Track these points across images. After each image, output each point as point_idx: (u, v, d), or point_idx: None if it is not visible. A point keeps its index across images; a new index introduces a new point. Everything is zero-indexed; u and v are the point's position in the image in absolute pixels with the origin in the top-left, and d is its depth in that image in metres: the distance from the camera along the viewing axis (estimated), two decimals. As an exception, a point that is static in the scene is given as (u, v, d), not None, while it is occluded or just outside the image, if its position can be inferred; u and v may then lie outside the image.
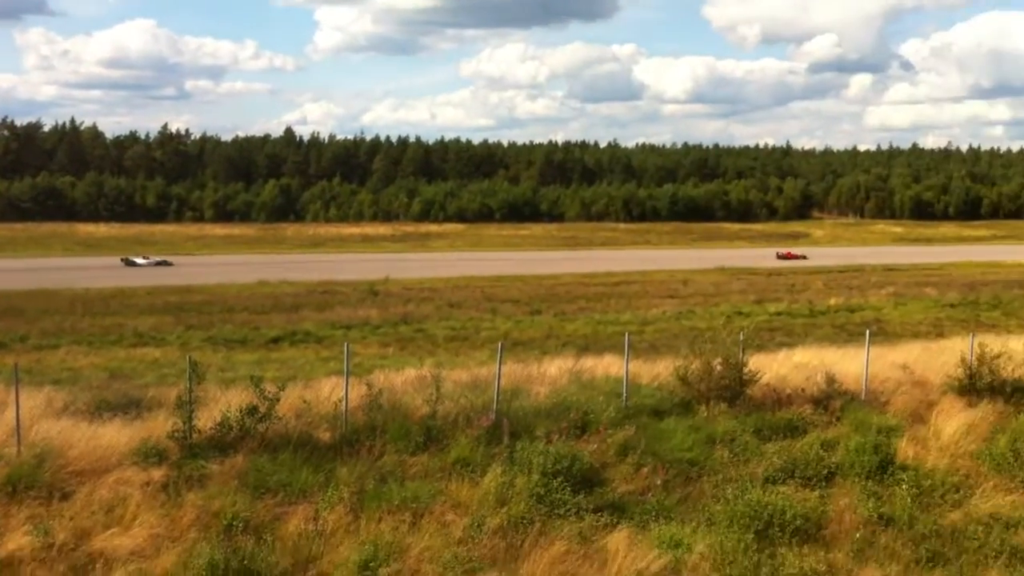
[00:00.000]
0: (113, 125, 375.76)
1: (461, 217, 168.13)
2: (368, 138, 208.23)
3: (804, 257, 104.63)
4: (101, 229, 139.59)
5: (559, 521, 11.96)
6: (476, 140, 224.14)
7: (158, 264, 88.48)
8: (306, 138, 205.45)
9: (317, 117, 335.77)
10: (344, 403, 14.67)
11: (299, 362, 30.28)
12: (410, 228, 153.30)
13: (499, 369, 15.65)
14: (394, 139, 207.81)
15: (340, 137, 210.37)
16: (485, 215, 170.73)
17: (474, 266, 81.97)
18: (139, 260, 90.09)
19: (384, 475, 13.12)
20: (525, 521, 11.86)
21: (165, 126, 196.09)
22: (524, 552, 11.19)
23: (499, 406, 15.15)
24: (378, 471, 13.19)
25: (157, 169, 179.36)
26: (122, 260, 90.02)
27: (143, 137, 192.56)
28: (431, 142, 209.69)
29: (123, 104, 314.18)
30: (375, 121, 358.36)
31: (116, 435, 13.41)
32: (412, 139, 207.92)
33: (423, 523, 11.82)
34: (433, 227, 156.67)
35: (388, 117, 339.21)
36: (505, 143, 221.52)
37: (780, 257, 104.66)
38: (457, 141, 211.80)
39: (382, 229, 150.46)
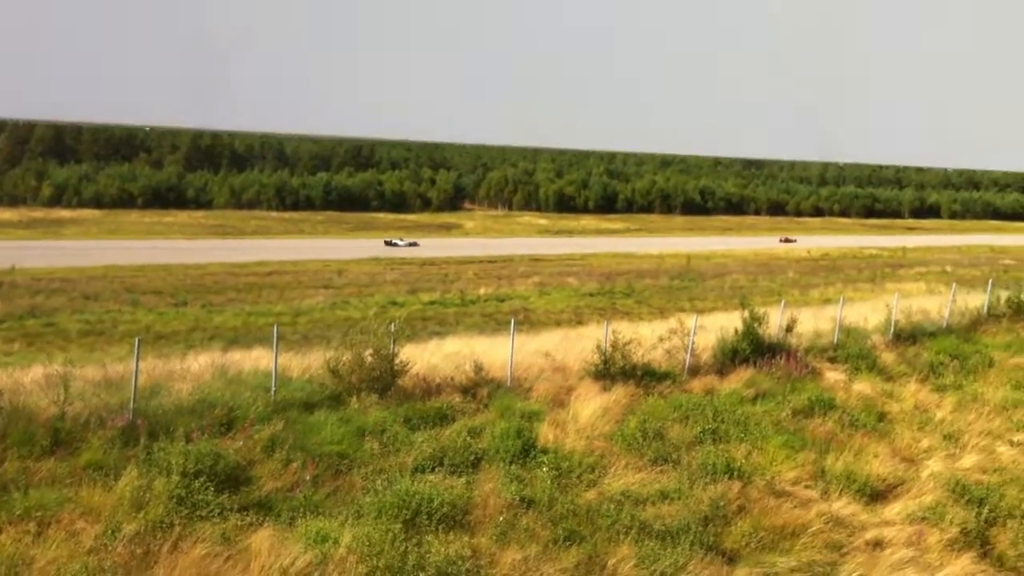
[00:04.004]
0: None
1: (98, 202, 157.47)
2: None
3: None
4: None
5: (201, 523, 11.43)
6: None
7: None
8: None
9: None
10: (-45, 407, 13.22)
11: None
12: (39, 214, 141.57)
13: (136, 365, 14.74)
14: (20, 118, 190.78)
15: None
16: (125, 201, 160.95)
17: (113, 255, 77.07)
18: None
19: (5, 483, 11.95)
20: (164, 525, 11.24)
21: None
22: (162, 558, 10.58)
23: (136, 405, 14.26)
24: (-2, 480, 11.99)
25: None
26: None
27: None
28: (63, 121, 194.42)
29: None
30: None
31: None
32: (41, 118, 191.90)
33: (50, 533, 10.88)
34: (66, 213, 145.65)
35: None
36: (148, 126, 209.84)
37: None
38: (93, 122, 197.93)
39: (7, 214, 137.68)
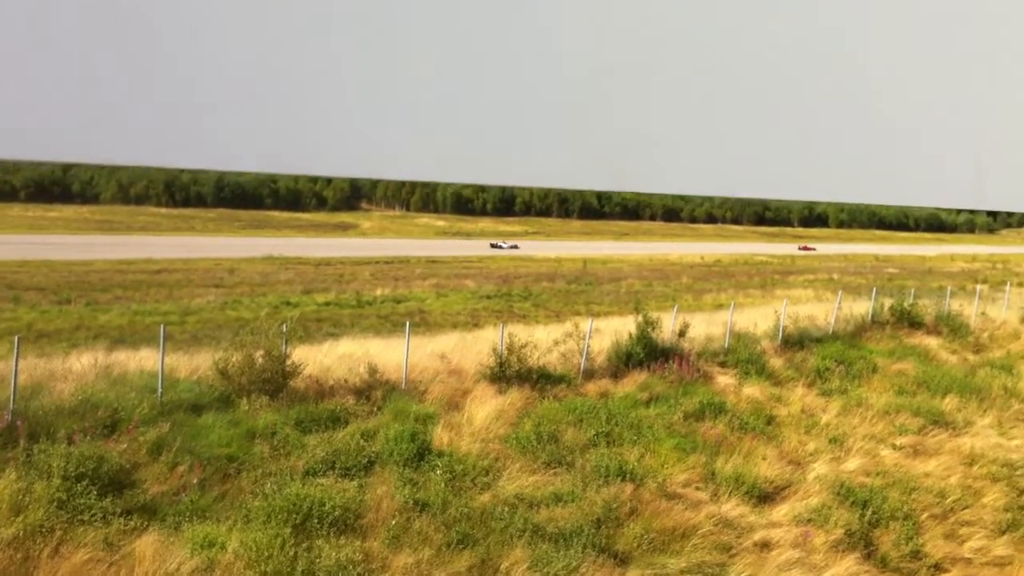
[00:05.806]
0: None
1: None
2: None
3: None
4: None
5: (83, 528, 11.04)
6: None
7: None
8: None
9: None
10: None
11: None
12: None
13: (16, 364, 14.17)
14: None
15: None
16: (7, 194, 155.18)
17: (-7, 249, 74.17)
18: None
19: None
20: (44, 529, 10.83)
21: None
22: (42, 563, 10.18)
23: (16, 405, 13.70)
24: None
25: None
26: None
27: None
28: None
29: None
30: None
31: None
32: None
33: (-84, 542, 10.35)
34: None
35: None
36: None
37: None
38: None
39: None
